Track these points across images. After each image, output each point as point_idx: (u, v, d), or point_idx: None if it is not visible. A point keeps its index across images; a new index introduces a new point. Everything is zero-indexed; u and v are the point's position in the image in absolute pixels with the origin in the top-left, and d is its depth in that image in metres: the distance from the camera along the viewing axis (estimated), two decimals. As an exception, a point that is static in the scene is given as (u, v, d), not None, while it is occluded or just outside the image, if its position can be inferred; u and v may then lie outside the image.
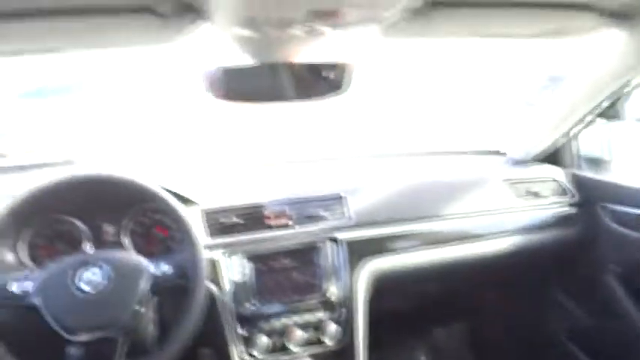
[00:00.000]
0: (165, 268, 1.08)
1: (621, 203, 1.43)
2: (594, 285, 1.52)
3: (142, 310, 1.04)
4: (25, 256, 1.20)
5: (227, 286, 1.24)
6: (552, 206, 1.53)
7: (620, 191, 1.46)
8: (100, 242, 1.25)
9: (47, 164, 1.52)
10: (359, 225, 1.37)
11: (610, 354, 1.56)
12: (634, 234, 1.39)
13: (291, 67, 1.01)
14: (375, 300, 1.39)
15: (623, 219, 1.42)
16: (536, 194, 1.53)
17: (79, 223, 1.26)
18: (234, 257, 1.27)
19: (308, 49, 1.00)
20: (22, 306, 1.00)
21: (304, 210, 1.36)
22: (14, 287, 1.01)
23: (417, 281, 1.52)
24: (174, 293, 1.11)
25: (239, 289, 1.25)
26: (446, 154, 1.74)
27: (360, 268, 1.34)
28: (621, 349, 1.50)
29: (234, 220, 1.31)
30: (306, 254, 1.31)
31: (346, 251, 1.32)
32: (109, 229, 1.27)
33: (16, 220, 1.12)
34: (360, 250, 1.35)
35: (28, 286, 1.01)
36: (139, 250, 1.24)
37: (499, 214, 1.48)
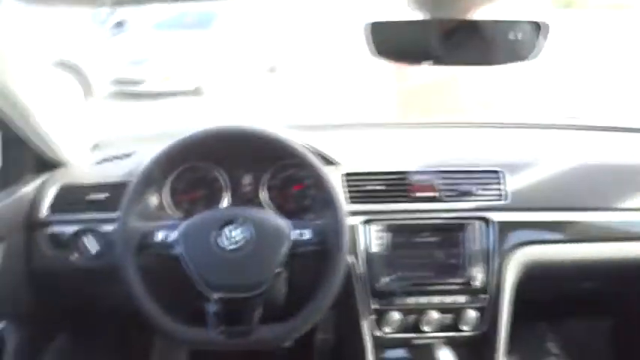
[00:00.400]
0: (305, 232, 1.03)
1: None
2: None
3: (281, 272, 1.01)
4: (168, 202, 1.22)
5: (363, 257, 1.17)
6: None
7: None
8: (238, 195, 1.24)
9: (179, 92, 1.53)
10: (515, 207, 1.20)
11: None
12: None
13: (470, 25, 0.85)
14: (519, 290, 1.24)
15: None
16: None
17: (221, 173, 1.25)
18: (373, 227, 1.18)
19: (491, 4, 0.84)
20: (165, 255, 1.01)
21: (454, 183, 1.21)
22: (160, 236, 1.02)
23: (570, 277, 1.34)
24: (312, 259, 1.06)
25: (376, 261, 1.17)
26: (630, 131, 1.46)
27: (510, 255, 1.19)
28: None
29: (377, 186, 1.21)
30: (451, 232, 1.19)
31: (497, 234, 1.18)
32: (248, 182, 1.25)
33: (165, 167, 1.13)
34: (513, 235, 1.19)
35: (173, 236, 1.01)
36: (278, 208, 1.22)
37: None
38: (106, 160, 1.31)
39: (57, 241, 1.15)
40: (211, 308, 0.97)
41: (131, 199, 1.02)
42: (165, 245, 1.01)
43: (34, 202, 1.18)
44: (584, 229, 1.21)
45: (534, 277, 1.27)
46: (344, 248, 1.01)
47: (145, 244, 1.01)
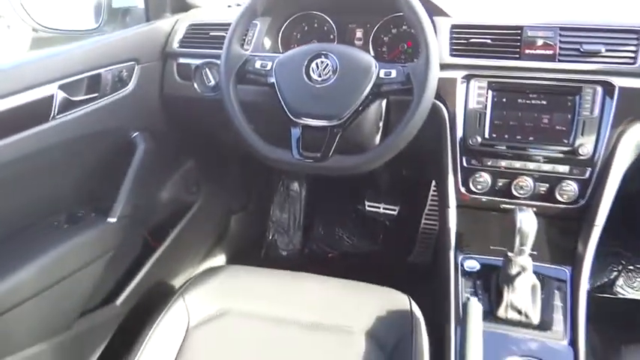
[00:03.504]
0: (392, 72, 1.03)
1: None
2: None
3: (361, 108, 1.03)
4: (278, 43, 1.32)
5: (460, 112, 1.13)
6: None
7: None
8: (344, 42, 1.28)
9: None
10: None
11: None
12: None
13: None
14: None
15: None
16: None
17: (329, 19, 1.30)
18: (475, 82, 1.12)
19: None
20: (262, 82, 1.11)
21: (577, 41, 1.07)
22: (258, 64, 1.10)
23: None
24: (399, 102, 1.07)
25: (472, 117, 1.12)
26: None
27: (631, 127, 1.05)
28: None
29: (485, 39, 1.13)
30: (565, 96, 1.07)
31: (618, 102, 1.03)
32: (355, 31, 1.28)
33: (275, 8, 1.19)
34: (636, 105, 1.04)
35: (268, 65, 1.09)
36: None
37: None
38: (233, 4, 1.42)
39: (184, 71, 1.32)
40: (295, 133, 1.06)
41: (234, 28, 1.12)
42: (261, 73, 1.10)
43: (169, 35, 1.35)
44: None
45: None
46: (428, 89, 0.99)
47: (243, 70, 1.11)
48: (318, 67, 1.06)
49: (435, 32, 1.05)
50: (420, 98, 0.99)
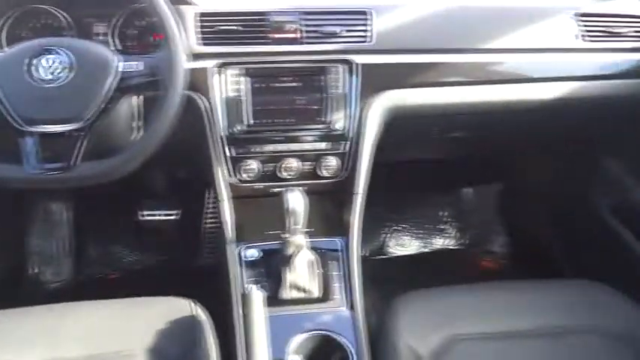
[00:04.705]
0: (136, 64, 0.94)
1: None
2: None
3: (107, 107, 0.92)
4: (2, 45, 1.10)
5: (218, 102, 1.10)
6: (631, 51, 1.22)
7: None
8: (84, 38, 1.12)
9: None
10: (381, 49, 1.14)
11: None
12: None
13: None
14: (390, 145, 1.21)
15: None
16: (614, 34, 1.21)
17: (63, 15, 1.13)
18: (229, 70, 1.10)
19: None
20: None
21: (318, 24, 1.13)
22: None
23: (444, 127, 1.32)
24: (156, 98, 0.98)
25: (232, 106, 1.10)
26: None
27: (374, 99, 1.14)
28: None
29: (233, 27, 1.11)
30: (312, 76, 1.12)
31: (361, 78, 1.12)
32: (93, 25, 1.15)
33: None
34: (377, 79, 1.14)
35: None
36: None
37: (562, 53, 1.20)
38: None
39: None
40: (27, 144, 0.89)
41: None
42: None
43: None
44: (453, 70, 1.17)
45: (407, 130, 1.25)
46: (177, 81, 0.93)
47: None
48: (46, 64, 0.91)
49: (181, 21, 1.01)
50: (168, 91, 0.93)
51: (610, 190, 1.50)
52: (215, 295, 1.13)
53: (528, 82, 1.20)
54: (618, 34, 1.22)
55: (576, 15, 1.21)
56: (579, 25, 1.20)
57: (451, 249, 2.06)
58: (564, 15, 1.21)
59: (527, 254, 1.95)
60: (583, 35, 1.20)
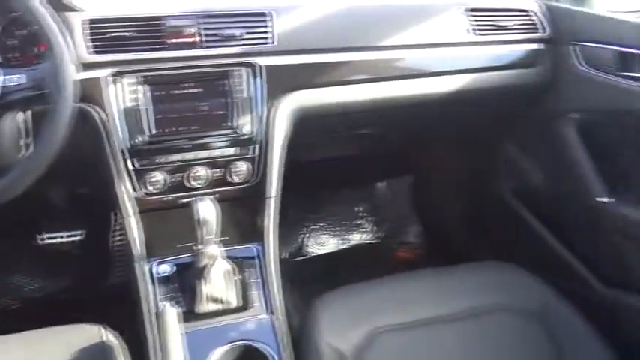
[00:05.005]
0: (18, 77, 0.87)
1: (597, 40, 1.21)
2: (551, 139, 1.36)
3: None
4: None
5: (115, 113, 1.03)
6: (519, 42, 1.30)
7: (598, 25, 1.23)
8: None
9: None
10: (283, 50, 1.13)
11: (559, 214, 1.46)
12: (605, 77, 1.19)
13: None
14: (300, 145, 1.21)
15: (595, 59, 1.21)
16: (502, 27, 1.29)
17: None
18: (125, 79, 1.04)
19: None
20: None
21: (217, 27, 1.10)
22: None
23: (352, 124, 1.34)
24: (40, 111, 0.91)
25: (131, 116, 1.04)
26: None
27: (280, 101, 1.13)
28: (571, 208, 1.39)
29: (127, 33, 1.05)
30: (215, 81, 1.09)
31: (265, 80, 1.10)
32: None
33: None
34: (282, 80, 1.13)
35: None
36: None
37: (455, 47, 1.25)
38: None
39: None
40: None
41: None
42: None
43: None
44: (355, 68, 1.19)
45: (307, 125, 1.25)
46: (64, 93, 0.87)
47: None
48: None
49: (68, 29, 0.96)
50: (57, 104, 0.86)
51: (511, 175, 1.60)
52: (128, 318, 1.07)
53: (427, 76, 1.24)
54: (505, 27, 1.29)
55: (466, 10, 1.27)
56: (470, 20, 1.26)
57: (368, 243, 2.11)
58: (455, 11, 1.27)
59: (441, 242, 2.04)
60: (474, 29, 1.26)
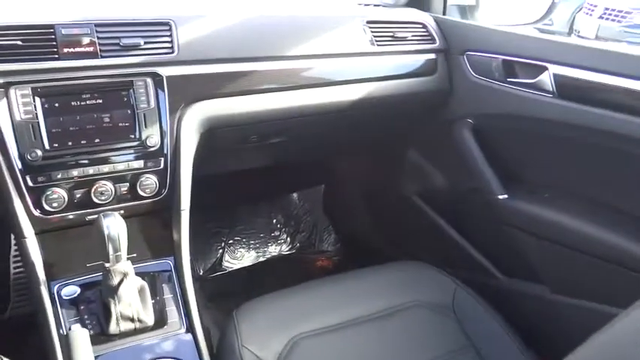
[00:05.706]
0: None
1: (485, 50, 1.31)
2: (451, 142, 1.45)
3: None
4: None
5: (7, 127, 0.96)
6: (416, 52, 1.38)
7: (486, 37, 1.34)
8: None
9: None
10: (187, 60, 1.11)
11: (461, 211, 1.55)
12: (494, 83, 1.29)
13: None
14: (212, 155, 1.20)
15: (484, 67, 1.31)
16: (400, 39, 1.36)
17: None
18: (16, 90, 0.97)
19: None
20: None
21: (116, 36, 1.06)
22: None
23: (262, 134, 1.34)
24: None
25: (23, 130, 0.97)
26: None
27: (186, 112, 1.11)
28: (471, 205, 1.48)
29: (16, 42, 0.99)
30: (118, 92, 1.05)
31: (170, 90, 1.08)
32: None
33: None
34: (187, 90, 1.11)
35: None
36: None
37: (357, 57, 1.30)
38: None
39: None
40: None
41: None
42: None
43: None
44: (260, 78, 1.19)
45: (224, 139, 1.24)
46: None
47: None
48: None
49: None
50: None
51: (416, 178, 1.68)
52: (34, 348, 0.99)
53: (332, 85, 1.28)
54: (403, 39, 1.36)
55: (367, 22, 1.33)
56: (371, 31, 1.32)
57: (286, 254, 2.11)
58: (357, 22, 1.32)
59: (356, 247, 2.09)
60: (375, 40, 1.32)
